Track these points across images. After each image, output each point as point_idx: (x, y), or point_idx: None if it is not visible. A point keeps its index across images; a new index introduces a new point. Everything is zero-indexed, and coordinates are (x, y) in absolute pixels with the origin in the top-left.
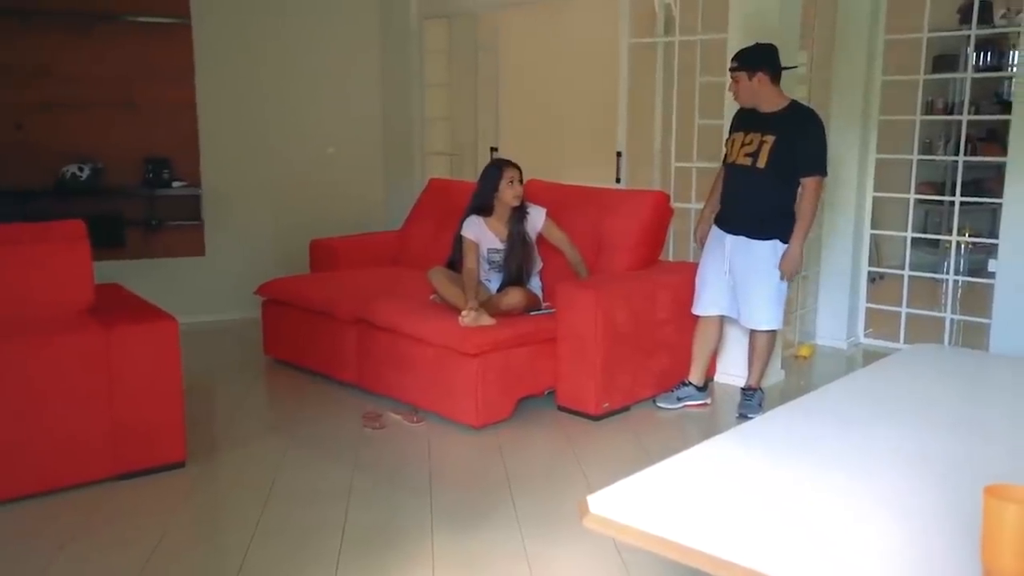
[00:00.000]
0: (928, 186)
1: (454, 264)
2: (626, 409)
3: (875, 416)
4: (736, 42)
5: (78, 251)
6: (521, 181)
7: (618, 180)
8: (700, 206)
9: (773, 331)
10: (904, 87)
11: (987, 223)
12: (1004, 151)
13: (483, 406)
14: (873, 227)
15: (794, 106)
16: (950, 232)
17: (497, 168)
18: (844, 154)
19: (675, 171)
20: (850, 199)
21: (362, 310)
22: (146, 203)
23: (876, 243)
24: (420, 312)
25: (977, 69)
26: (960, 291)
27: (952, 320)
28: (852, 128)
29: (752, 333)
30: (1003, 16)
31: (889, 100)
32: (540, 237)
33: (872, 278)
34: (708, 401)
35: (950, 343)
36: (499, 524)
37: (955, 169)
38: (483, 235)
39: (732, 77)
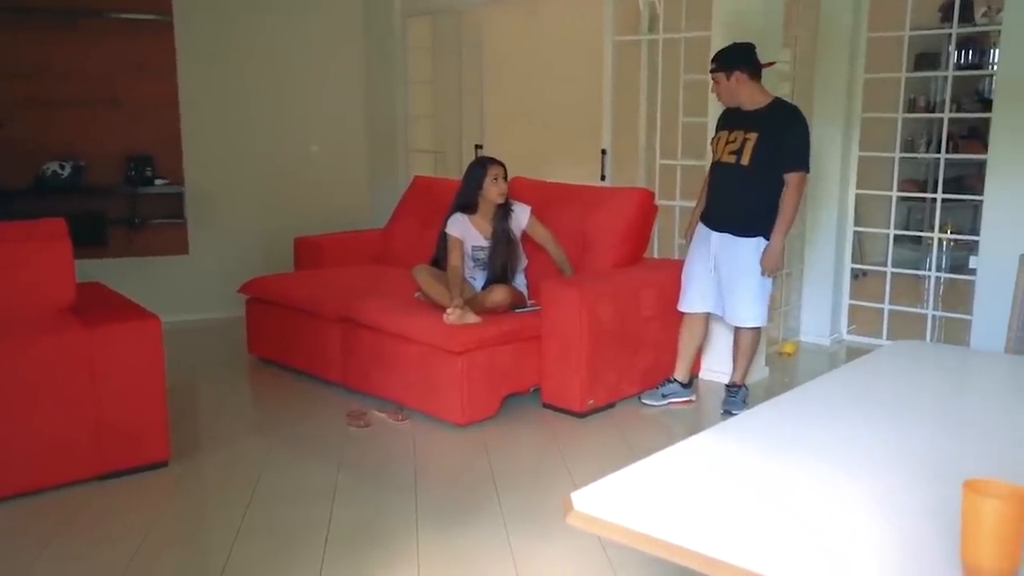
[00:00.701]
0: (910, 183)
1: (439, 262)
2: (611, 406)
3: (858, 412)
4: (720, 40)
5: (59, 250)
6: (505, 178)
7: (603, 177)
8: (684, 203)
9: (758, 328)
10: (886, 85)
11: (968, 220)
12: (985, 148)
13: (468, 404)
14: (856, 224)
15: (777, 103)
16: (932, 229)
17: (481, 166)
18: (827, 151)
19: (660, 168)
20: (833, 196)
21: (346, 308)
22: (128, 201)
23: (859, 240)
24: (405, 310)
25: (958, 67)
26: (942, 287)
27: (934, 316)
28: (835, 126)
29: (737, 330)
30: (984, 14)
31: (871, 98)
32: (525, 235)
33: (855, 275)
34: (693, 398)
35: (932, 339)
36: (484, 521)
37: (937, 166)
38: (468, 232)
39: (712, 79)
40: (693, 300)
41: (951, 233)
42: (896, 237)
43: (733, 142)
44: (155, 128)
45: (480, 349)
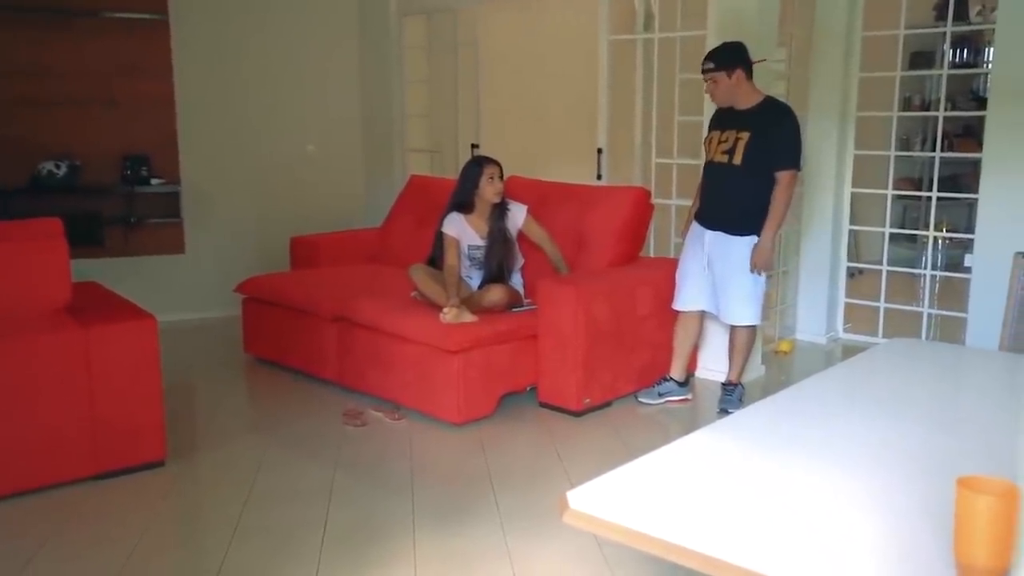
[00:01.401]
0: (906, 182)
1: (435, 261)
2: (607, 405)
3: (853, 410)
4: (716, 38)
5: (55, 249)
6: (501, 177)
7: (599, 176)
8: (680, 202)
9: (752, 326)
10: (881, 83)
11: (964, 218)
12: (980, 147)
13: (465, 403)
14: (852, 223)
15: (769, 102)
16: (928, 227)
17: (477, 165)
18: (822, 149)
19: (656, 167)
20: (828, 194)
21: (343, 308)
22: (125, 201)
23: (855, 238)
24: (401, 309)
25: (953, 65)
26: (937, 286)
27: (929, 314)
28: (830, 124)
29: (732, 329)
30: (978, 13)
31: (866, 96)
32: (521, 234)
33: (851, 273)
34: (689, 396)
35: (928, 337)
36: (481, 521)
37: (932, 164)
38: (464, 232)
39: (710, 79)
40: (688, 299)
41: (946, 231)
42: (892, 235)
43: (725, 142)
44: (151, 127)
45: (476, 348)
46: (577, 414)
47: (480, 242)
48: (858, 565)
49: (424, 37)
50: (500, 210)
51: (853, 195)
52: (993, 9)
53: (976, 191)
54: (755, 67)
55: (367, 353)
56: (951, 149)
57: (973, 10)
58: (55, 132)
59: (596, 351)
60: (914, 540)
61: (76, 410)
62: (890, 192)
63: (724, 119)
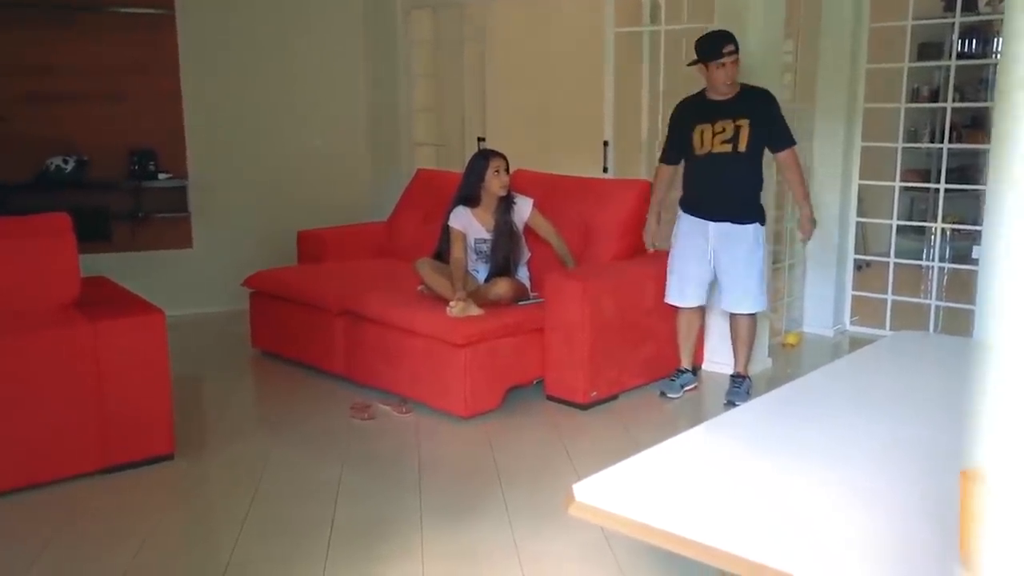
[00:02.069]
0: (913, 173)
1: (441, 255)
2: (614, 398)
3: (859, 404)
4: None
5: (63, 244)
6: (507, 171)
7: (605, 170)
8: None
9: (755, 315)
10: (889, 75)
11: (972, 210)
12: (988, 138)
13: (472, 396)
14: (859, 215)
15: (749, 88)
16: (935, 219)
17: (483, 158)
18: (830, 142)
19: None
20: (836, 186)
21: (350, 301)
22: (132, 195)
23: (862, 231)
24: (408, 303)
25: (961, 56)
26: (945, 278)
27: (937, 307)
28: (838, 116)
29: (735, 319)
30: (988, 3)
31: (874, 88)
32: (527, 227)
33: (859, 266)
34: (697, 383)
35: (935, 330)
36: (488, 515)
37: (940, 156)
38: (470, 225)
39: (731, 61)
40: (690, 295)
41: (954, 223)
42: (899, 227)
43: (722, 132)
44: (158, 122)
45: (483, 342)
46: (584, 407)
47: (486, 235)
48: (864, 558)
49: (431, 31)
50: (506, 203)
51: (860, 187)
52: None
53: (984, 182)
54: (763, 57)
55: (374, 347)
56: (959, 140)
57: (982, 0)
58: (62, 128)
59: (603, 344)
60: (917, 532)
61: (85, 404)
62: (897, 184)
63: (708, 111)
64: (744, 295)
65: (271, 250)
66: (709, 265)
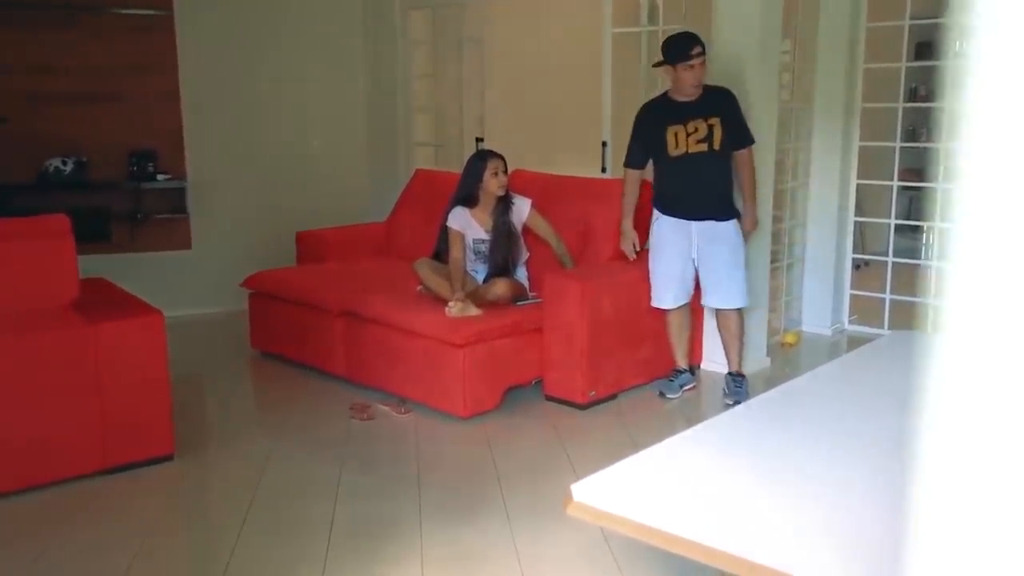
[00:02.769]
0: (911, 173)
1: (440, 255)
2: (613, 398)
3: (858, 403)
4: (721, 31)
5: (62, 246)
6: (505, 171)
7: (604, 170)
8: None
9: (741, 309)
10: (887, 74)
11: None
12: None
13: (471, 397)
14: (857, 214)
15: (710, 87)
16: (933, 218)
17: (481, 159)
18: (828, 141)
19: None
20: (834, 186)
21: (349, 302)
22: (131, 196)
23: (861, 230)
24: (407, 304)
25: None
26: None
27: (935, 306)
28: (835, 116)
29: (725, 316)
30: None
31: (872, 87)
32: (526, 227)
33: (857, 265)
34: (695, 382)
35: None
36: (488, 515)
37: (939, 155)
38: (468, 226)
39: (699, 63)
40: (675, 296)
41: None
42: (897, 226)
43: (695, 132)
44: (157, 123)
45: (482, 342)
46: (583, 407)
47: (485, 236)
48: (862, 557)
49: (429, 31)
50: (504, 204)
51: (858, 186)
52: None
53: None
54: (761, 56)
55: (373, 347)
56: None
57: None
58: (62, 128)
59: (601, 344)
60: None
61: (84, 405)
62: (895, 183)
63: (677, 112)
64: (732, 290)
65: (270, 251)
66: (692, 264)
